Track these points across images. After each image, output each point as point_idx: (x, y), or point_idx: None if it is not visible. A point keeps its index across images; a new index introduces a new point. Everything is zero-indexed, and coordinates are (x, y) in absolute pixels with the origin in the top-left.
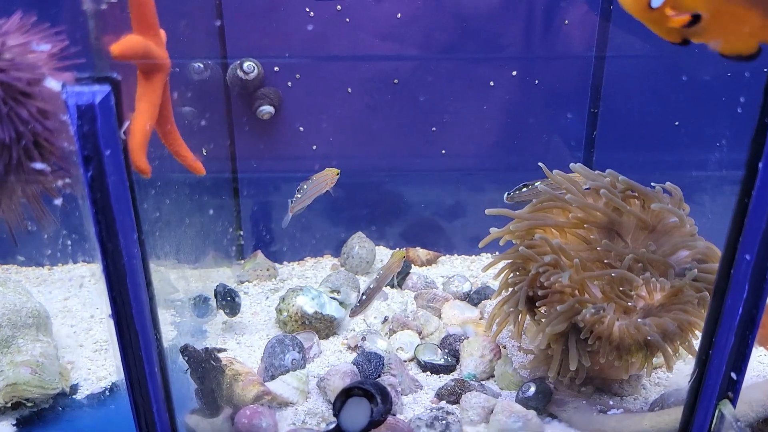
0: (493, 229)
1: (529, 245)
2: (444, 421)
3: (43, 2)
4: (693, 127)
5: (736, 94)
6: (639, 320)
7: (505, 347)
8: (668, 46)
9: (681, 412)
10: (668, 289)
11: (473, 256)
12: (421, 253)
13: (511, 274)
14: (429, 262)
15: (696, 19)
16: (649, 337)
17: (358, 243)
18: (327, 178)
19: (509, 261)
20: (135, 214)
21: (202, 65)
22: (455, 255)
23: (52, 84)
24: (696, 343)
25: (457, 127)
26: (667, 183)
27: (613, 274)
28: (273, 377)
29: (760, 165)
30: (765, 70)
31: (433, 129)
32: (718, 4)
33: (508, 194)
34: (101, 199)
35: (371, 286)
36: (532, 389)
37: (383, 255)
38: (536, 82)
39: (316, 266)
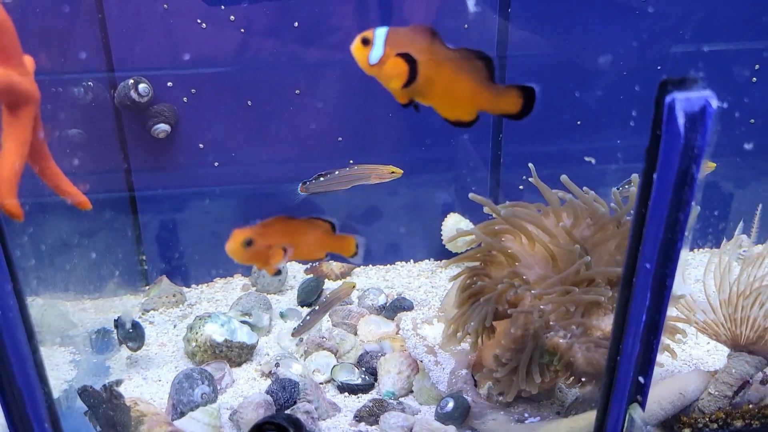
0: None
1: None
2: None
3: None
4: (595, 121)
5: (632, 91)
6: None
7: (421, 362)
8: (568, 42)
9: (594, 416)
10: None
11: (388, 265)
12: (335, 266)
13: (471, 280)
14: (343, 275)
15: (411, 78)
16: None
17: None
18: (379, 172)
19: (470, 265)
20: (7, 261)
21: (83, 89)
22: (370, 266)
23: None
24: None
25: (364, 136)
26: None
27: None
28: (182, 414)
29: (655, 176)
30: (659, 67)
31: (340, 139)
32: (431, 72)
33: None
34: None
35: (316, 308)
36: (450, 404)
37: (296, 271)
38: None
39: (226, 287)
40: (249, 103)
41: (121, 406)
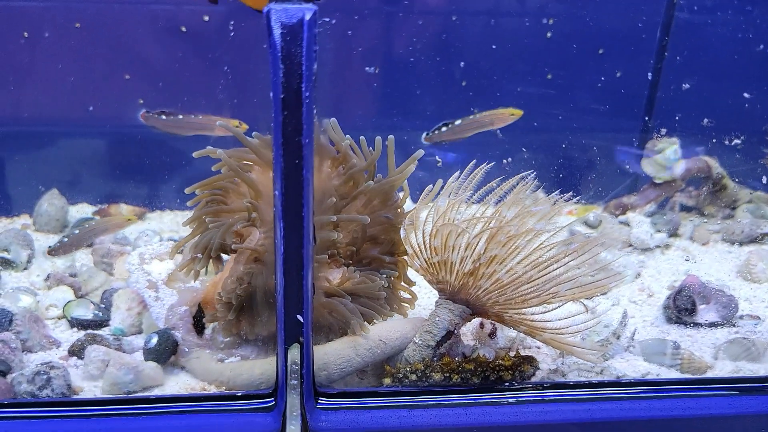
0: (210, 148)
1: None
2: (45, 376)
3: None
4: None
5: None
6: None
7: (143, 297)
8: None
9: None
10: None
11: (186, 211)
12: (125, 209)
13: (207, 206)
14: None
15: None
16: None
17: (48, 200)
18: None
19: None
20: None
21: None
22: (167, 210)
23: None
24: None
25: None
26: None
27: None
28: None
29: (271, 95)
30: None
31: (127, 77)
32: None
33: (427, 134)
34: None
35: (76, 232)
36: (154, 341)
37: (85, 212)
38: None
39: (9, 227)
40: (26, 34)
41: None
